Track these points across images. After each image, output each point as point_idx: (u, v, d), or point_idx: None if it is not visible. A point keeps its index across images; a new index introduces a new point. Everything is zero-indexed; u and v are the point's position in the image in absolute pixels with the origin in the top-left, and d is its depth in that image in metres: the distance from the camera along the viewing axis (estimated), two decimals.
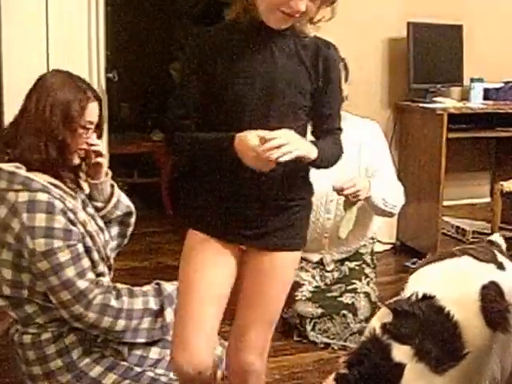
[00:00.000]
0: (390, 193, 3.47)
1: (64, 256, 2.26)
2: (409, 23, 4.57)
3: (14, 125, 2.39)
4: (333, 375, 2.20)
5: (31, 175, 2.28)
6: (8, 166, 2.30)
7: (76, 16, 4.05)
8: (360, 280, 3.56)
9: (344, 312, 3.38)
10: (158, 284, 2.56)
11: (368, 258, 3.77)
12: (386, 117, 4.74)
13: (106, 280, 2.42)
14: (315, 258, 3.62)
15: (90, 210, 2.54)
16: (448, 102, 4.67)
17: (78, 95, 2.38)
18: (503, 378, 2.38)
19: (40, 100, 2.35)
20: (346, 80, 3.55)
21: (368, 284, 3.57)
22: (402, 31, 4.59)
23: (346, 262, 3.67)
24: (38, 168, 2.33)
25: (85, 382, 2.41)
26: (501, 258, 2.50)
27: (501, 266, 2.46)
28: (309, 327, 3.40)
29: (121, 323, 2.36)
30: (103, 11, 4.44)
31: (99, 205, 2.59)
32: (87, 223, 2.40)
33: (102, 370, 2.42)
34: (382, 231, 4.62)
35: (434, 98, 4.68)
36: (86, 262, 2.34)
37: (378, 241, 4.36)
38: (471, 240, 4.68)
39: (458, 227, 4.79)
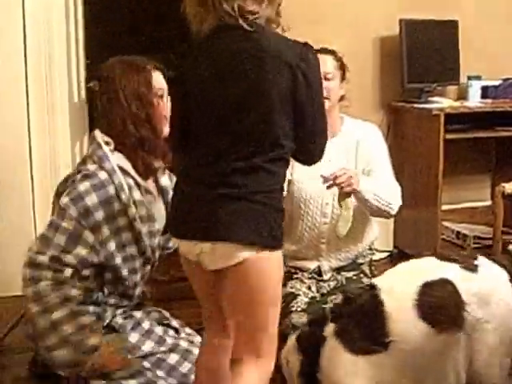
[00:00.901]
0: (383, 189, 3.41)
1: (67, 224, 2.45)
2: (401, 20, 4.56)
3: (101, 118, 2.67)
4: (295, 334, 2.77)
5: (110, 154, 2.54)
6: (100, 137, 2.59)
7: (54, 25, 4.09)
8: None
9: None
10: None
11: (366, 268, 3.73)
12: (379, 118, 4.71)
13: (66, 275, 2.46)
14: (313, 265, 3.58)
15: (162, 210, 2.77)
16: (444, 102, 4.67)
17: (140, 75, 2.64)
18: None
19: (110, 91, 2.61)
20: (343, 79, 3.52)
21: None
22: (394, 29, 4.59)
23: (343, 272, 3.63)
24: (124, 151, 2.60)
25: None
26: (482, 261, 2.62)
27: (471, 268, 2.57)
28: None
29: (33, 308, 2.45)
30: (82, 20, 4.44)
31: None
32: (136, 221, 2.56)
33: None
34: (378, 239, 4.55)
35: (430, 98, 4.68)
36: (79, 249, 2.45)
37: (375, 249, 4.31)
38: (473, 246, 4.68)
39: (458, 232, 4.79)
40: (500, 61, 4.94)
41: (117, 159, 2.55)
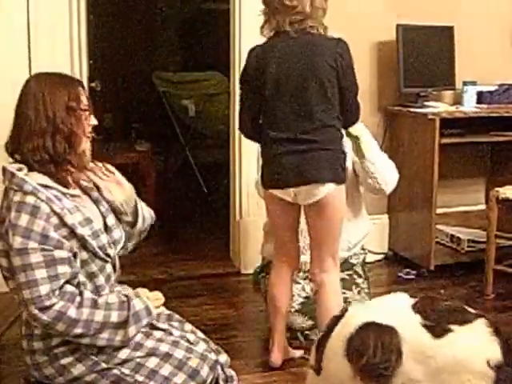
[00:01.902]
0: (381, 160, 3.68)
1: (36, 258, 2.43)
2: (398, 25, 4.61)
3: (15, 133, 2.59)
4: None
5: (26, 177, 2.50)
6: (11, 167, 2.54)
7: (58, 25, 4.12)
8: (350, 290, 3.59)
9: None
10: (126, 297, 2.61)
11: (359, 269, 3.79)
12: (375, 122, 4.78)
13: (71, 290, 2.49)
14: (308, 258, 3.61)
15: (102, 207, 2.74)
16: (440, 107, 4.70)
17: (68, 86, 2.60)
18: None
19: (37, 103, 2.55)
20: None
21: (359, 293, 3.59)
22: (391, 34, 4.63)
23: None
24: (39, 169, 2.54)
25: (55, 368, 2.57)
26: (470, 328, 2.15)
27: (436, 331, 2.14)
28: (301, 338, 3.49)
29: (76, 330, 2.47)
30: (85, 20, 4.47)
31: (129, 219, 2.82)
32: (77, 227, 2.53)
33: (72, 359, 2.55)
34: (373, 241, 4.62)
35: (426, 103, 4.71)
36: (62, 269, 2.46)
37: (369, 251, 4.37)
38: (467, 249, 4.73)
39: (452, 236, 4.82)
40: (495, 66, 4.98)
41: (34, 179, 2.51)
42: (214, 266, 4.81)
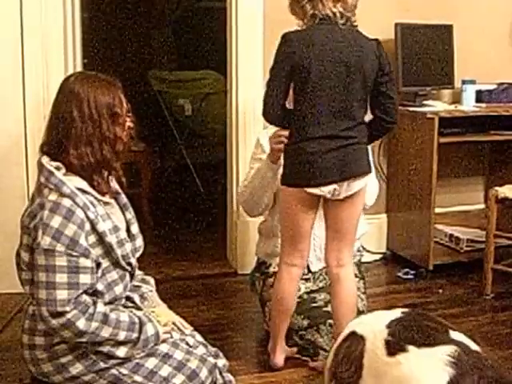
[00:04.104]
0: None
1: (60, 261, 2.44)
2: (396, 24, 4.62)
3: (59, 137, 2.56)
4: None
5: (65, 179, 2.50)
6: (49, 165, 2.53)
7: (52, 23, 4.12)
8: None
9: (330, 321, 3.40)
10: (139, 320, 2.61)
11: (355, 269, 3.80)
12: None
13: (86, 298, 2.49)
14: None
15: (129, 214, 2.79)
16: (439, 106, 4.72)
17: (112, 90, 2.59)
18: None
19: (82, 106, 2.54)
20: None
21: None
22: (390, 32, 4.64)
23: None
24: (79, 172, 2.55)
25: (54, 366, 2.58)
26: (413, 349, 2.00)
27: (392, 349, 2.02)
28: (296, 338, 3.49)
29: (81, 339, 2.49)
30: (79, 18, 4.49)
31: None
32: (106, 235, 2.55)
33: (72, 357, 2.56)
34: (372, 240, 4.66)
35: (424, 102, 4.73)
36: (83, 278, 2.47)
37: (367, 250, 4.40)
38: (466, 249, 4.76)
39: (451, 235, 4.84)
40: (494, 65, 5.01)
41: (72, 182, 2.51)
42: (211, 267, 4.84)
